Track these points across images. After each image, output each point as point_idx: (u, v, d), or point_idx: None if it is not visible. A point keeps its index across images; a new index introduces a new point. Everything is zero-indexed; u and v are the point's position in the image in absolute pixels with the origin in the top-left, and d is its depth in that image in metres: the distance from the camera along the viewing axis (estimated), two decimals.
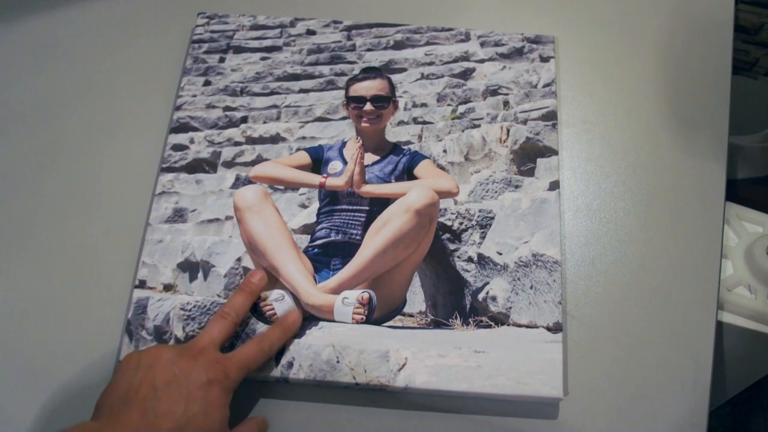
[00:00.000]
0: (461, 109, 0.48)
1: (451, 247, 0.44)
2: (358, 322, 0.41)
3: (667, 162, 0.50)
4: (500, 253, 0.43)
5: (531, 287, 0.42)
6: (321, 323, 0.41)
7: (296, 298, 0.42)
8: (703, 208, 0.48)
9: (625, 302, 0.45)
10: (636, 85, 0.53)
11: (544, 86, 0.48)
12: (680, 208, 0.48)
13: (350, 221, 0.45)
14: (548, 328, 0.41)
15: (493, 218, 0.44)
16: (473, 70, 0.49)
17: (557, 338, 0.40)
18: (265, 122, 0.49)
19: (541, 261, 0.42)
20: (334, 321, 0.41)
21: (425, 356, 0.39)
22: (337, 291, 0.42)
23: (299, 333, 0.40)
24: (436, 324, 0.41)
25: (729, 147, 0.52)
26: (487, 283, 0.42)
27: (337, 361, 0.39)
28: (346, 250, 0.44)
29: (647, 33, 0.56)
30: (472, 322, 0.41)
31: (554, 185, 0.45)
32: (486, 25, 0.53)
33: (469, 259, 0.43)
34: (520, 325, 0.41)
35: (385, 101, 0.48)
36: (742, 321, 0.52)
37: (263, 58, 0.51)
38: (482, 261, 0.43)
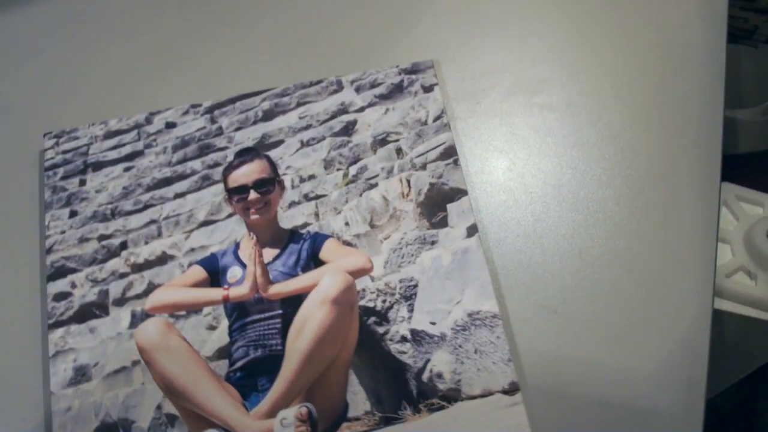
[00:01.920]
0: (353, 170, 0.61)
1: (380, 330, 0.56)
2: None
3: (659, 143, 0.63)
4: (433, 323, 0.55)
5: (475, 351, 0.54)
6: None
7: None
8: (697, 190, 0.61)
9: (616, 295, 0.57)
10: (624, 61, 0.67)
11: (435, 120, 0.61)
12: (673, 192, 0.61)
13: (266, 331, 0.58)
14: (504, 392, 0.53)
15: (416, 286, 0.57)
16: (354, 122, 0.62)
17: (516, 400, 0.53)
18: (146, 242, 0.62)
19: (479, 319, 0.55)
20: None
21: None
22: (272, 413, 0.53)
23: None
24: (386, 421, 0.54)
25: (727, 122, 0.65)
26: (429, 360, 0.55)
27: None
28: (270, 364, 0.56)
29: (634, 4, 0.70)
30: (423, 408, 0.54)
31: (472, 230, 0.58)
32: (358, 65, 0.67)
33: (403, 339, 0.56)
34: (474, 397, 0.54)
35: (270, 184, 0.61)
36: (743, 309, 0.64)
37: (126, 169, 0.65)
38: (417, 337, 0.56)
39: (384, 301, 0.57)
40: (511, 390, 0.53)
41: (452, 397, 0.54)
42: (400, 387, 0.55)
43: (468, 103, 0.66)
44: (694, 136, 0.64)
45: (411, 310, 0.56)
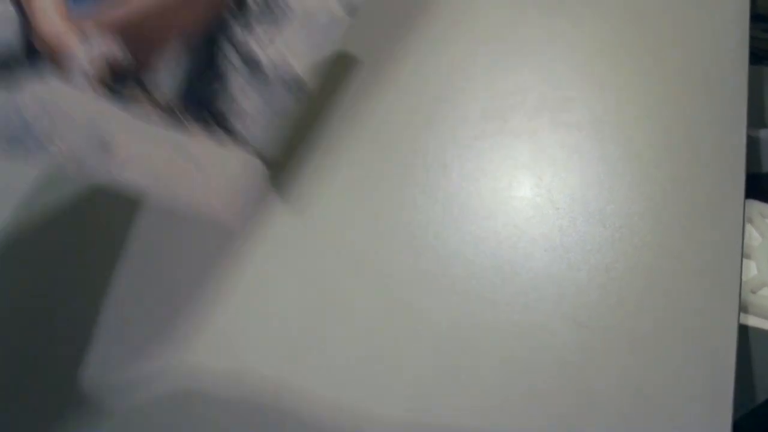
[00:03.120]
0: None
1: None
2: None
3: (683, 160, 0.65)
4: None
5: None
6: None
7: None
8: (721, 207, 0.63)
9: (642, 310, 0.59)
10: (648, 80, 0.69)
11: None
12: (697, 208, 0.63)
13: None
14: None
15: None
16: None
17: None
18: None
19: None
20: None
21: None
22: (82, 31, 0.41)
23: None
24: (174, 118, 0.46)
25: (750, 141, 0.67)
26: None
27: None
28: None
29: (658, 24, 0.72)
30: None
31: None
32: None
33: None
34: None
35: None
36: None
37: None
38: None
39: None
40: None
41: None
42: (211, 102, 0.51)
43: (496, 121, 0.68)
44: (718, 154, 0.66)
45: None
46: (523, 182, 0.65)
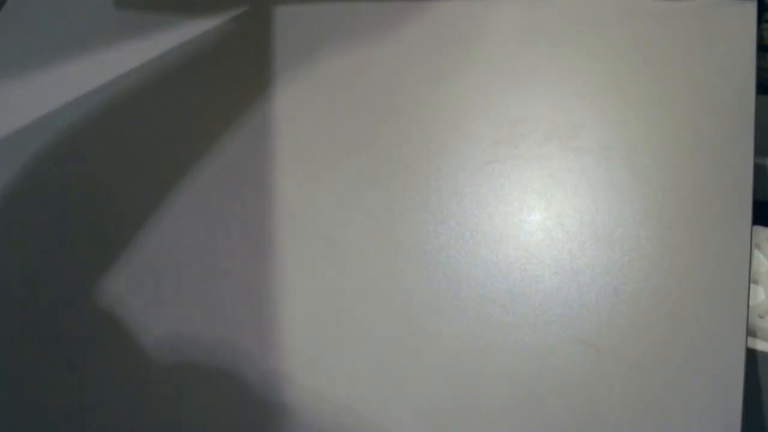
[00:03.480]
0: None
1: None
2: None
3: (691, 186, 0.66)
4: None
5: None
6: None
7: None
8: (729, 233, 0.64)
9: (650, 332, 0.60)
10: (656, 107, 0.71)
11: None
12: (705, 233, 0.64)
13: None
14: None
15: None
16: None
17: None
18: None
19: None
20: None
21: None
22: None
23: None
24: None
25: (757, 168, 0.68)
26: None
27: None
28: None
29: (666, 53, 0.74)
30: None
31: None
32: None
33: None
34: None
35: None
36: None
37: None
38: None
39: None
40: None
41: None
42: None
43: (507, 147, 0.70)
44: (725, 181, 0.67)
45: None
46: (534, 206, 0.66)
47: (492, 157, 0.70)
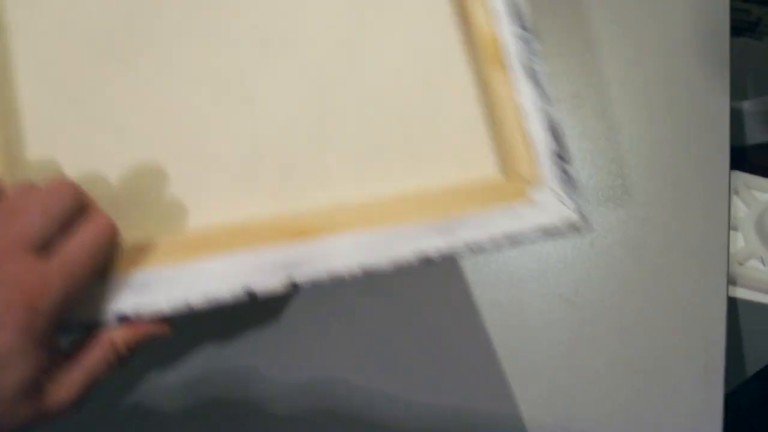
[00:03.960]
0: None
1: None
2: None
3: (666, 133, 0.64)
4: None
5: None
6: None
7: None
8: (707, 179, 0.63)
9: (628, 284, 0.58)
10: (628, 53, 0.68)
11: None
12: (683, 181, 0.62)
13: None
14: None
15: None
16: None
17: None
18: None
19: None
20: None
21: None
22: None
23: None
24: None
25: (734, 113, 0.66)
26: None
27: None
28: None
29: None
30: None
31: None
32: None
33: None
34: None
35: None
36: (758, 295, 0.65)
37: None
38: None
39: None
40: None
41: None
42: None
43: None
44: (702, 127, 0.65)
45: None
46: None
47: None
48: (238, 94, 0.40)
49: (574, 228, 0.40)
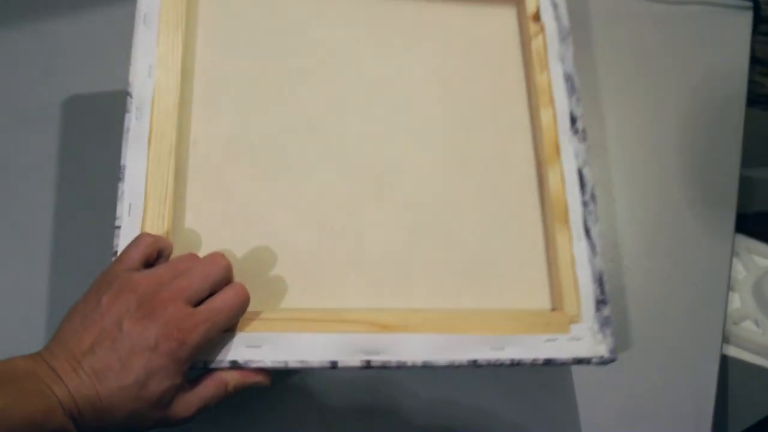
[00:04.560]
0: None
1: None
2: None
3: (677, 192, 0.67)
4: None
5: None
6: None
7: None
8: (711, 240, 0.65)
9: (629, 329, 0.61)
10: (647, 112, 0.71)
11: None
12: (689, 238, 0.65)
13: None
14: None
15: None
16: None
17: None
18: None
19: None
20: None
21: None
22: None
23: None
24: None
25: (743, 179, 0.70)
26: None
27: None
28: None
29: (659, 58, 0.75)
30: None
31: None
32: None
33: None
34: None
35: None
36: (749, 356, 0.67)
37: None
38: None
39: None
40: None
41: None
42: None
43: None
44: (712, 190, 0.68)
45: None
46: None
47: None
48: (351, 216, 0.52)
49: (603, 362, 0.48)
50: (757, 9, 0.80)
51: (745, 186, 0.73)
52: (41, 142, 0.63)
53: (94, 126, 0.63)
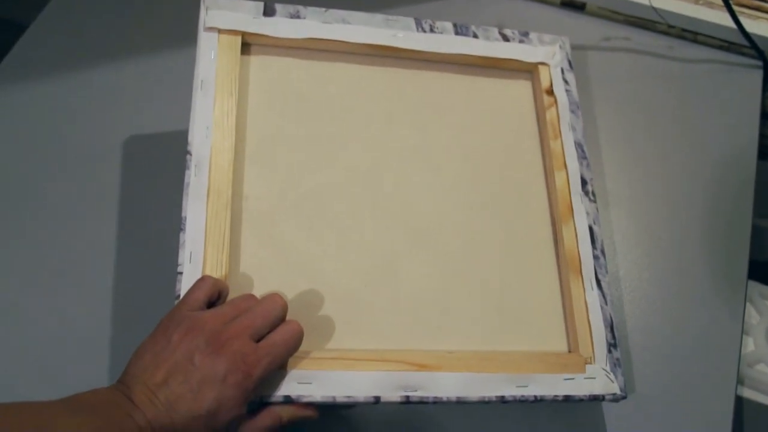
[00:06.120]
0: None
1: None
2: None
3: (693, 240, 0.72)
4: None
5: None
6: None
7: None
8: (725, 285, 0.70)
9: (645, 370, 0.64)
10: (660, 165, 0.76)
11: None
12: (704, 285, 0.70)
13: None
14: None
15: None
16: None
17: None
18: None
19: None
20: None
21: None
22: None
23: None
24: None
25: (755, 229, 0.74)
26: None
27: None
28: None
29: (671, 114, 0.80)
30: None
31: None
32: None
33: None
34: None
35: None
36: (763, 398, 0.71)
37: None
38: None
39: None
40: None
41: None
42: None
43: None
44: (726, 239, 0.73)
45: None
46: None
47: None
48: (390, 266, 0.57)
49: (615, 398, 0.54)
50: (766, 66, 0.85)
51: (757, 235, 0.77)
52: (103, 180, 0.69)
53: (152, 166, 0.70)
